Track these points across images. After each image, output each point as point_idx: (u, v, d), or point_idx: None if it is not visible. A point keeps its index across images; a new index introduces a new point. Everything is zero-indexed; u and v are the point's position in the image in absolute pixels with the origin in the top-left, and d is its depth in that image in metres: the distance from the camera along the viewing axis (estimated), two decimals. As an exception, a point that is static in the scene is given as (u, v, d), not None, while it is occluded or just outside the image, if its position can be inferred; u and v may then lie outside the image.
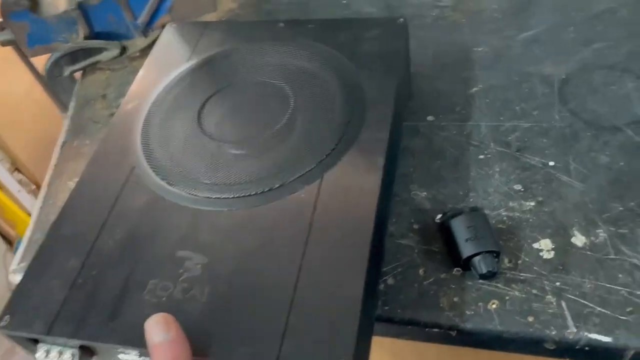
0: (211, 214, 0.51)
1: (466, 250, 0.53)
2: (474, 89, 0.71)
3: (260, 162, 0.55)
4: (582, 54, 0.72)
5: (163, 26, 0.89)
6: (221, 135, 0.59)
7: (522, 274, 0.53)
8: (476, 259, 0.52)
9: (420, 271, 0.55)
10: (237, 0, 0.94)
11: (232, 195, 0.52)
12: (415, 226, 0.59)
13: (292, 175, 0.53)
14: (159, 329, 0.41)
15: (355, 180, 0.51)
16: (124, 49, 0.87)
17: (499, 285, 0.53)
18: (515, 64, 0.72)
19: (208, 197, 0.53)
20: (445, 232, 0.56)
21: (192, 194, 0.53)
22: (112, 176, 0.56)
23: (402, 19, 0.66)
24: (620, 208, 0.56)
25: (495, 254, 0.53)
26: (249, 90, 0.63)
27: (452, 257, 0.55)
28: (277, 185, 0.52)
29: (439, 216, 0.58)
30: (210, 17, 0.90)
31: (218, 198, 0.52)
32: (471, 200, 0.60)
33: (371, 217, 0.48)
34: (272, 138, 0.57)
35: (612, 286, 0.51)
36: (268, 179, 0.53)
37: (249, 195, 0.52)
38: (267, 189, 0.52)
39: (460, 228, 0.54)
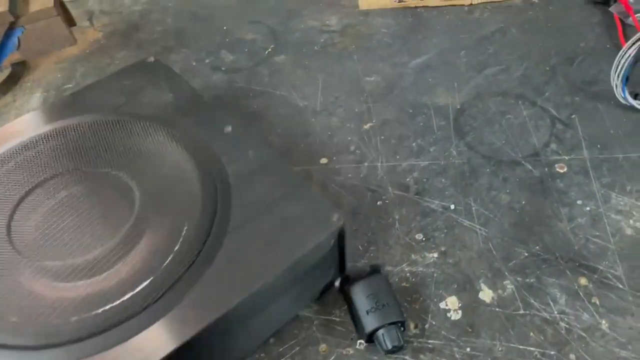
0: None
1: (369, 323, 0.47)
2: (368, 125, 0.65)
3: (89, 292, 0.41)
4: (475, 80, 0.69)
5: (14, 64, 0.77)
6: (37, 253, 0.43)
7: (429, 341, 0.48)
8: (380, 332, 0.47)
9: (321, 348, 0.49)
10: (102, 29, 0.83)
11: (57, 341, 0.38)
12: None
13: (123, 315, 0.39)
14: None
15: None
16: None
17: (406, 357, 0.48)
18: (408, 94, 0.68)
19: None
20: (346, 298, 0.50)
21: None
22: None
23: (152, 58, 0.60)
24: (526, 254, 0.53)
25: (400, 324, 0.47)
26: (81, 184, 0.48)
27: (356, 326, 0.49)
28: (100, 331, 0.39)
29: (338, 281, 0.52)
30: (70, 50, 0.79)
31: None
32: (372, 255, 0.55)
33: None
34: (106, 259, 0.43)
35: (524, 347, 0.47)
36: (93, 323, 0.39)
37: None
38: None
39: (361, 297, 0.48)
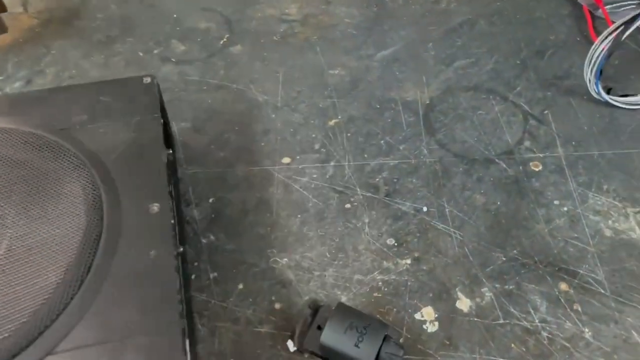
0: None
1: (367, 354, 0.42)
2: (334, 121, 0.61)
3: None
4: (444, 74, 0.65)
5: None
6: None
7: (405, 357, 0.44)
8: (383, 354, 0.42)
9: (288, 370, 0.45)
10: (38, 16, 0.75)
11: None
12: (277, 305, 0.48)
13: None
14: None
15: None
16: None
17: (381, 376, 0.44)
18: (375, 89, 0.64)
19: None
20: (320, 354, 0.45)
21: None
22: None
23: (148, 79, 0.52)
24: (503, 258, 0.50)
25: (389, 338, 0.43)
26: None
27: None
28: None
29: (292, 345, 0.46)
30: (1, 39, 0.71)
31: None
32: (341, 263, 0.50)
33: None
34: None
35: (505, 360, 0.44)
36: None
37: None
38: None
39: (339, 338, 0.42)
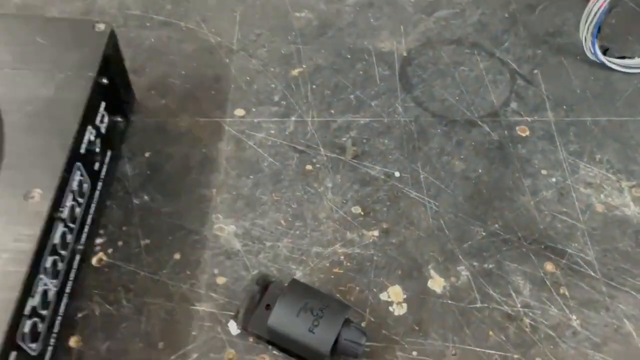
0: None
1: (323, 340, 0.35)
2: (297, 71, 0.53)
3: None
4: (424, 24, 0.58)
5: None
6: None
7: (367, 343, 0.38)
8: (342, 340, 0.35)
9: (227, 355, 0.37)
10: None
11: None
12: (220, 280, 0.41)
13: None
14: None
15: None
16: None
17: (338, 365, 0.37)
18: (346, 37, 0.56)
19: None
20: (269, 337, 0.37)
21: None
22: None
23: (102, 26, 0.43)
24: (483, 233, 0.44)
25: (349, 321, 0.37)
26: None
27: (303, 358, 0.37)
28: None
29: (235, 327, 0.38)
30: None
31: None
32: (297, 232, 0.43)
33: None
34: None
35: (482, 350, 0.38)
36: None
37: None
38: None
39: (291, 320, 0.35)
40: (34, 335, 0.33)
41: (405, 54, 0.55)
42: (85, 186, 0.40)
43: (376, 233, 0.43)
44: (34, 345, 0.33)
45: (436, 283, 0.41)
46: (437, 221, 0.44)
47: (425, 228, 0.44)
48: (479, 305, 0.40)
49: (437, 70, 0.54)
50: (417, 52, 0.55)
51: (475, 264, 0.42)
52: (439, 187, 0.46)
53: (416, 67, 0.54)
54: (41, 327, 0.34)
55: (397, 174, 0.46)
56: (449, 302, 0.40)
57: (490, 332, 0.39)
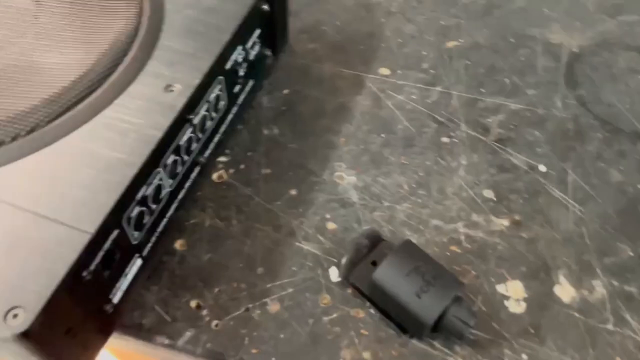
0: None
1: (428, 309, 0.32)
2: (453, 44, 0.50)
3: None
4: (604, 24, 0.52)
5: None
6: None
7: (473, 332, 0.34)
8: (450, 315, 0.32)
9: (322, 299, 0.35)
10: None
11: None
12: (330, 225, 0.39)
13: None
14: None
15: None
16: None
17: (434, 351, 0.34)
18: (513, 20, 0.52)
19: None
20: (370, 293, 0.35)
21: None
22: None
23: None
24: (630, 253, 0.38)
25: (461, 299, 0.33)
26: None
27: (400, 324, 0.34)
28: None
29: (337, 274, 0.36)
30: None
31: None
32: (419, 201, 0.40)
33: None
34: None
35: (606, 377, 0.33)
36: None
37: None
38: None
39: (398, 280, 0.33)
40: (139, 224, 0.33)
41: (576, 50, 0.50)
42: (222, 103, 0.40)
43: (506, 222, 0.39)
44: (136, 234, 0.33)
45: (565, 291, 0.36)
46: (578, 228, 0.39)
47: (563, 231, 0.39)
48: (610, 327, 0.35)
49: (610, 74, 0.48)
50: (590, 51, 0.50)
51: (615, 283, 0.36)
52: (588, 194, 0.41)
53: (586, 66, 0.49)
54: (147, 219, 0.34)
55: (542, 168, 0.42)
56: (576, 314, 0.35)
57: (617, 359, 0.33)
